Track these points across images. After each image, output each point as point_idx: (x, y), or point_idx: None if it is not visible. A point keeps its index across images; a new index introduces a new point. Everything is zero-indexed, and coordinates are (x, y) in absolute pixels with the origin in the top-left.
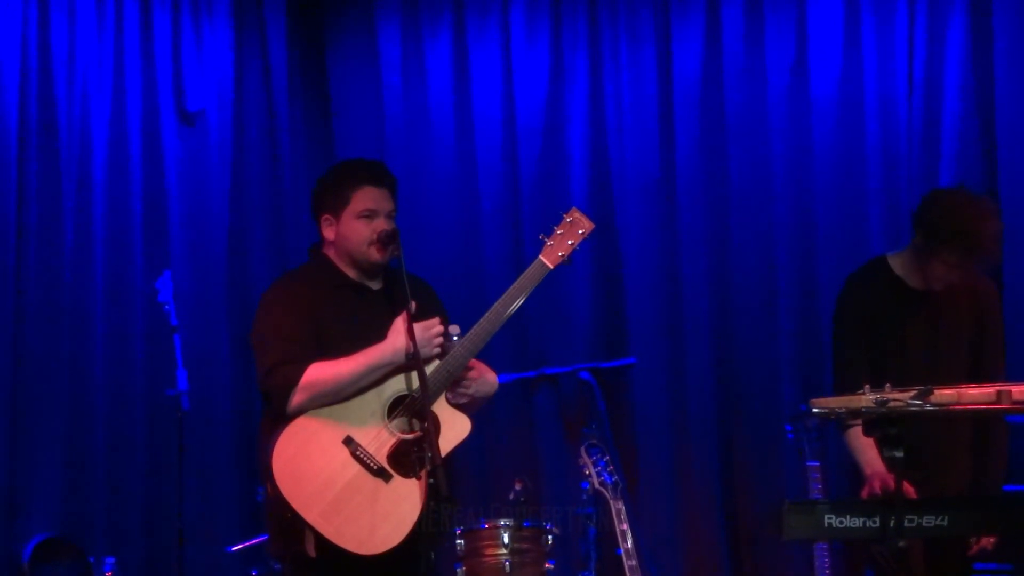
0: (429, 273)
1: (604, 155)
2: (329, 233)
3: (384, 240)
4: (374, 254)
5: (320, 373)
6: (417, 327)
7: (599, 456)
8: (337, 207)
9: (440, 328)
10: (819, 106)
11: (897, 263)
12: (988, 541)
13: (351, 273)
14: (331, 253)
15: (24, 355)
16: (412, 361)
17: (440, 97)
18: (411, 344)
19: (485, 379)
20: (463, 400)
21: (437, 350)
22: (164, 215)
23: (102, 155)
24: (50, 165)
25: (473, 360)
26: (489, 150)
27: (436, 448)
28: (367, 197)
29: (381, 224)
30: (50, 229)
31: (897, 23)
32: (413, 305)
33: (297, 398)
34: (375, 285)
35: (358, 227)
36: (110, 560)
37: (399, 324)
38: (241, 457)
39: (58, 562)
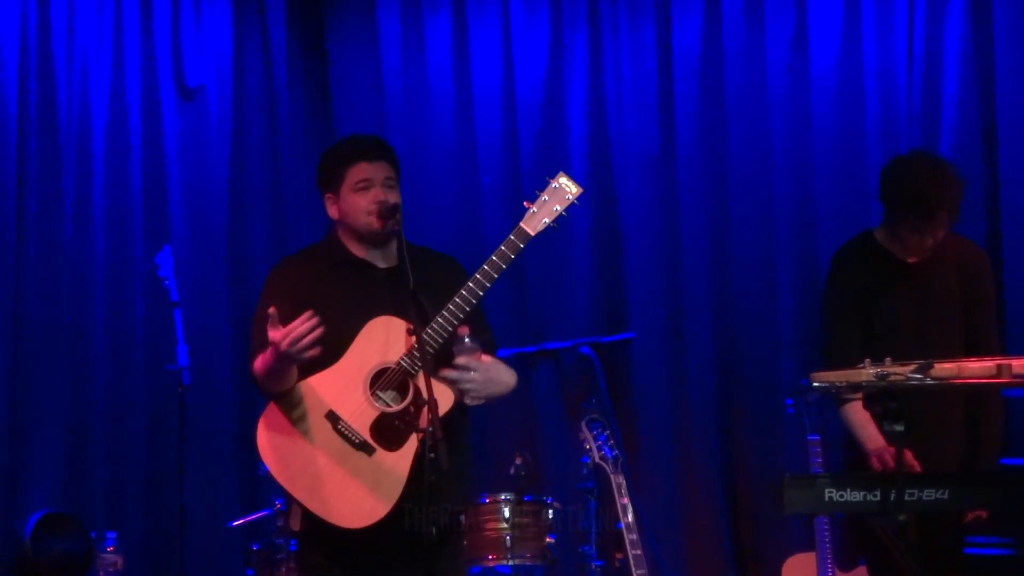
0: None
1: (604, 130)
2: (333, 212)
3: (383, 214)
4: (374, 223)
5: (254, 368)
6: (279, 334)
7: (599, 430)
8: (336, 185)
9: (300, 329)
10: (818, 81)
11: (882, 235)
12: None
13: (357, 251)
14: (340, 232)
15: (25, 331)
16: (413, 334)
17: (440, 73)
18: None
19: (494, 380)
20: (473, 403)
21: (310, 352)
22: (164, 190)
23: (102, 130)
24: (50, 141)
25: (479, 360)
26: (489, 126)
27: (438, 422)
28: (360, 170)
29: (379, 193)
30: (50, 204)
31: None
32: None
33: (259, 388)
34: (382, 263)
35: (355, 199)
36: (111, 535)
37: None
38: (242, 432)
39: (60, 537)
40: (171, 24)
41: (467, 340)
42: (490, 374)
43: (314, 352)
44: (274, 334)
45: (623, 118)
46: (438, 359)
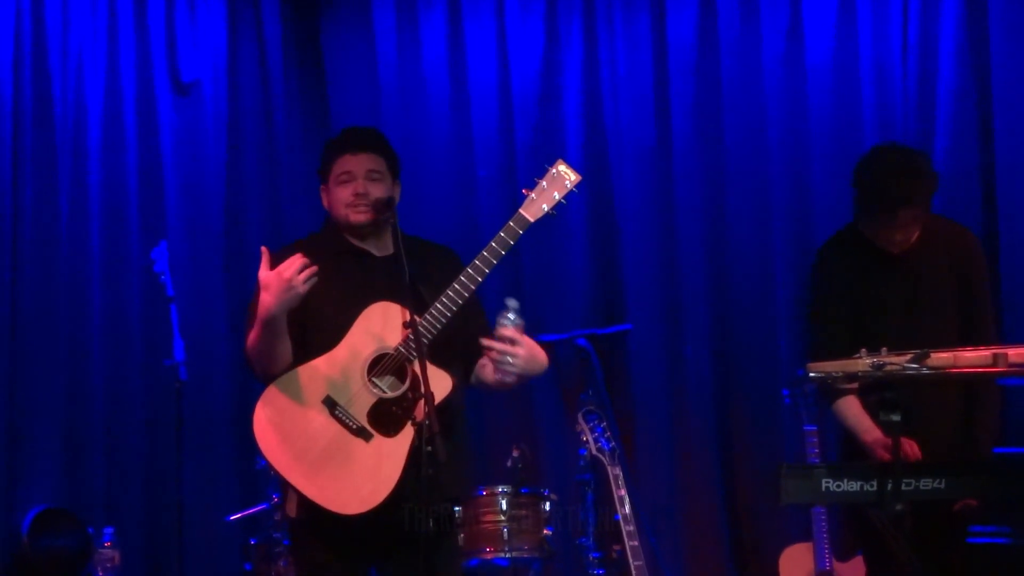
0: None
1: (599, 123)
2: (325, 203)
3: (377, 207)
4: (351, 215)
5: (247, 344)
6: (271, 273)
7: (596, 422)
8: (325, 176)
9: (295, 265)
10: (814, 71)
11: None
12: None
13: (353, 239)
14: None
15: (22, 327)
16: (408, 327)
17: (435, 66)
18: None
19: (535, 357)
20: (510, 379)
21: (303, 287)
22: (160, 186)
23: (97, 126)
24: (45, 137)
25: (523, 336)
26: (484, 119)
27: (434, 415)
28: (343, 162)
29: (358, 186)
30: (46, 200)
31: None
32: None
33: (254, 368)
34: (380, 252)
35: (338, 191)
36: (109, 531)
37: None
38: (239, 426)
39: (57, 533)
40: (165, 19)
41: (512, 315)
42: (534, 351)
43: (312, 279)
44: (265, 275)
45: (619, 110)
46: (436, 346)
